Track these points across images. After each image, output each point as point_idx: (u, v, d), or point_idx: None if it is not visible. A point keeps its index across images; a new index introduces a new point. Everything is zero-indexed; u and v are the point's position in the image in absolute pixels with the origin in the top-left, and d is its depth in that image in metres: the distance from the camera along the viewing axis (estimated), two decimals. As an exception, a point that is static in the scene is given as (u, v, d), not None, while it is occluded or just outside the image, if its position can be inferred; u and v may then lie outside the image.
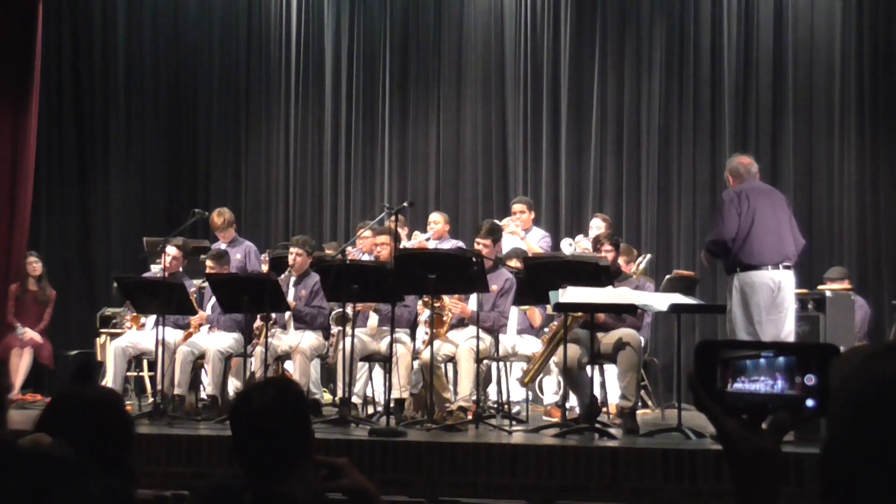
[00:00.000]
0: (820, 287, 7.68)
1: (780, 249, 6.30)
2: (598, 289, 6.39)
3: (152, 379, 8.11)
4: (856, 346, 1.36)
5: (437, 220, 8.69)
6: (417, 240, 8.59)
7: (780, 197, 6.64)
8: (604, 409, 7.07)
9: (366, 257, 8.15)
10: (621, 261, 7.44)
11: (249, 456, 2.40)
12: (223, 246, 8.58)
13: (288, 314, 7.49)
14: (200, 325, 7.87)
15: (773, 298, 6.23)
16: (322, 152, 11.06)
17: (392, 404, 6.83)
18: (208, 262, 7.95)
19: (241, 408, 2.47)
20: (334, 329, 7.46)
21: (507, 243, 8.21)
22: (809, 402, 1.28)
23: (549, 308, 7.12)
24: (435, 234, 8.59)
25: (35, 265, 9.31)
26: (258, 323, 7.52)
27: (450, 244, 8.52)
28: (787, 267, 6.31)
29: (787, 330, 6.26)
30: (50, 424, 2.14)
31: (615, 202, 10.10)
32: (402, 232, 8.41)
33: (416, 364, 7.26)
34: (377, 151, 10.90)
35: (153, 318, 7.76)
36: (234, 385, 7.87)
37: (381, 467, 5.69)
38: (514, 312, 7.48)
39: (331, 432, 6.19)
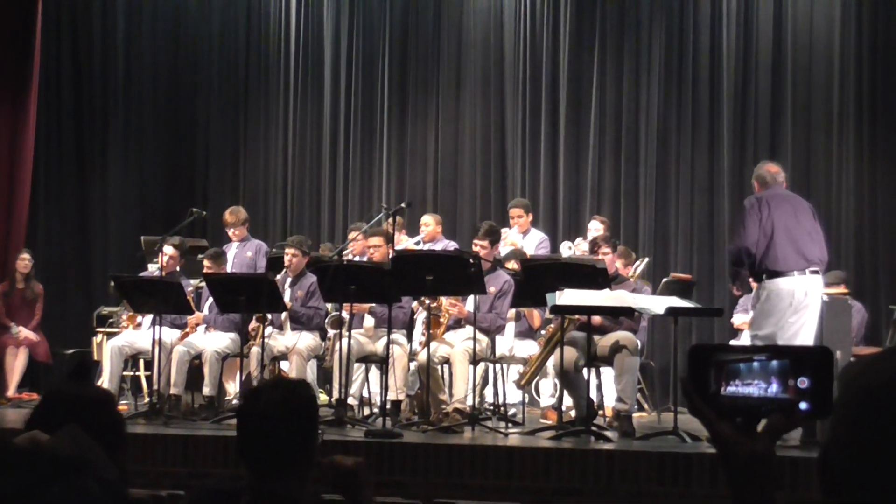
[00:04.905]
0: (817, 291, 7.66)
1: (805, 254, 6.20)
2: (596, 291, 6.39)
3: (149, 378, 8.11)
4: (868, 356, 1.37)
5: (427, 222, 8.62)
6: (403, 244, 8.38)
7: (803, 204, 6.52)
8: (600, 412, 7.07)
9: (358, 259, 8.10)
10: (620, 263, 7.43)
11: (252, 454, 2.41)
12: (234, 244, 8.57)
13: (284, 315, 7.48)
14: (197, 325, 7.86)
15: (800, 303, 6.13)
16: (320, 152, 11.05)
17: (388, 406, 6.82)
18: (206, 262, 7.94)
19: (247, 406, 2.48)
20: (331, 332, 7.44)
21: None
22: (803, 406, 1.28)
23: (546, 310, 7.12)
24: (427, 236, 8.55)
25: (26, 263, 9.26)
26: (253, 324, 7.50)
27: (442, 245, 8.48)
28: (814, 272, 6.20)
29: (808, 333, 6.17)
30: (41, 422, 2.14)
31: (613, 204, 10.09)
32: (398, 234, 8.31)
33: (412, 365, 7.26)
34: (375, 151, 10.89)
35: (150, 317, 7.73)
36: (229, 386, 7.86)
37: (376, 469, 5.68)
38: (513, 314, 7.47)
39: (327, 434, 6.18)
